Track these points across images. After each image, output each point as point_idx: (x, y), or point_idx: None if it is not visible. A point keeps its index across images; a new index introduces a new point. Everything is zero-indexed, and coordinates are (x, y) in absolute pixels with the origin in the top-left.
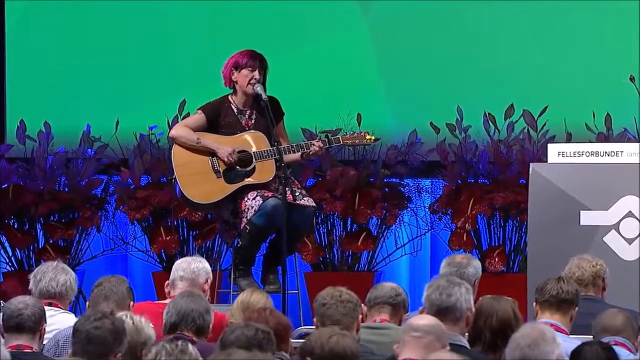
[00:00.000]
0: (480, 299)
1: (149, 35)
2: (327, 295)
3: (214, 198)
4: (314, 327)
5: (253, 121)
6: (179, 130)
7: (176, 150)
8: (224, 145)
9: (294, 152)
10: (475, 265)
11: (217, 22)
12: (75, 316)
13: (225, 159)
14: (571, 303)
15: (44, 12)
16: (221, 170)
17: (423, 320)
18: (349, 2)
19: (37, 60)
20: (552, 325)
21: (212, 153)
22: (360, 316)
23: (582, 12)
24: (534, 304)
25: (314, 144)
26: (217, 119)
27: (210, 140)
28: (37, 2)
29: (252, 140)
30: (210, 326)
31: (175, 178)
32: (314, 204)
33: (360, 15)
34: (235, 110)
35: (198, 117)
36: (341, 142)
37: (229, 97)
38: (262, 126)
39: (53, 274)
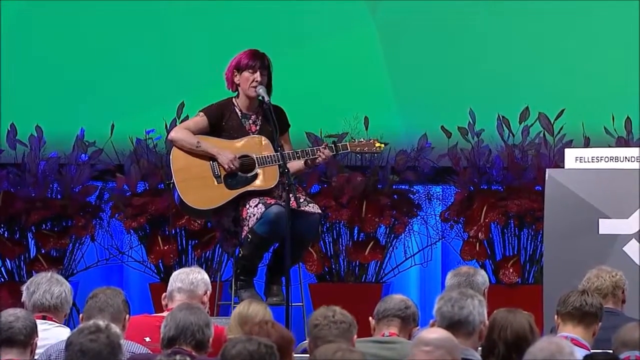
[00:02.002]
0: (494, 312)
1: (145, 36)
2: (320, 316)
3: (214, 204)
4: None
5: (258, 127)
6: (179, 133)
7: (175, 153)
8: (225, 150)
9: (298, 158)
10: (482, 274)
11: (219, 22)
12: (70, 330)
13: (226, 166)
14: (595, 317)
15: (36, 12)
16: (222, 176)
17: (434, 333)
18: (356, 2)
19: (29, 62)
20: (572, 339)
21: (212, 157)
22: (351, 337)
23: (601, 10)
24: (555, 316)
25: (320, 150)
26: (220, 122)
27: (211, 144)
28: (29, 2)
29: (255, 145)
30: (210, 340)
31: (173, 183)
32: (319, 211)
33: (368, 15)
34: (239, 114)
35: (199, 120)
36: (349, 149)
37: (233, 100)
38: (266, 132)
39: (47, 285)
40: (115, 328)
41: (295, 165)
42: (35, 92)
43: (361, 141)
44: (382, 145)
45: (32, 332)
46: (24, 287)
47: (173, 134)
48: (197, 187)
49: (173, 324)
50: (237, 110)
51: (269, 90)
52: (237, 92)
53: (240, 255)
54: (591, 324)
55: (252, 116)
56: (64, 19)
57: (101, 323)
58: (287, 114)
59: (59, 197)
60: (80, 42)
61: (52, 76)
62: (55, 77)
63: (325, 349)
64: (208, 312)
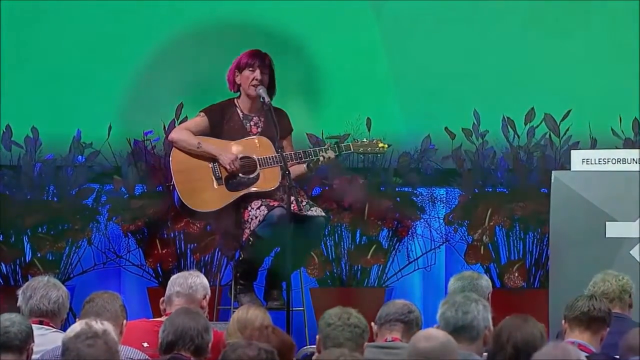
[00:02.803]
0: (505, 318)
1: (143, 36)
2: (335, 316)
3: (214, 206)
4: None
5: (259, 129)
6: (179, 134)
7: (175, 155)
8: (227, 151)
9: (300, 158)
10: (486, 278)
11: (218, 22)
12: None
13: (227, 167)
14: (602, 322)
15: (31, 12)
16: (223, 177)
17: (429, 342)
18: (360, 2)
19: (25, 62)
20: (580, 345)
21: (213, 158)
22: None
23: (608, 10)
24: (563, 321)
25: (322, 151)
26: (221, 123)
27: (211, 145)
28: (25, 2)
29: (256, 146)
30: (210, 345)
31: (173, 184)
32: (323, 214)
33: (372, 15)
34: (241, 115)
35: (200, 120)
36: (352, 150)
37: (235, 100)
38: (268, 135)
39: (44, 290)
40: (113, 332)
41: (297, 169)
42: (31, 93)
43: (364, 141)
44: (386, 145)
45: (28, 337)
46: (19, 292)
47: (173, 135)
48: (198, 189)
49: (171, 328)
50: (239, 112)
51: (271, 91)
52: (239, 93)
53: (240, 258)
54: (599, 330)
55: (254, 118)
56: (61, 19)
57: (98, 327)
58: (289, 117)
59: (55, 199)
60: (77, 43)
61: (48, 77)
62: (51, 78)
63: (328, 353)
64: (207, 317)
